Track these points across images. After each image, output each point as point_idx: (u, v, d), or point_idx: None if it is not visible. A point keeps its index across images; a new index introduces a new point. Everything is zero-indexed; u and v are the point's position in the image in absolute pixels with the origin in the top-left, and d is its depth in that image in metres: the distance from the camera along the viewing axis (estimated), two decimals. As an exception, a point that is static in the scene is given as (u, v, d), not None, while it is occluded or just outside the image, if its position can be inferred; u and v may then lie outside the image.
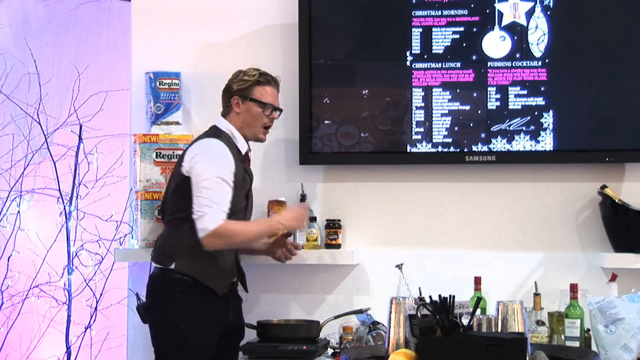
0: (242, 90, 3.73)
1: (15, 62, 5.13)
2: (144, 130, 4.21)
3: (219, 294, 3.64)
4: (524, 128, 3.97)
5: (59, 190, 4.93)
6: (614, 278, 3.76)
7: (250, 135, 3.76)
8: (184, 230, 3.62)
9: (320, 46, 4.10)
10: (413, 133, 4.05)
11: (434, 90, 4.03)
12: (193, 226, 3.57)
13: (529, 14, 3.97)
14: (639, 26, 3.92)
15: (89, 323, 4.97)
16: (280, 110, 3.82)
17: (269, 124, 3.77)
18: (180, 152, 3.88)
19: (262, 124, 3.75)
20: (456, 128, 4.03)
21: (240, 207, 3.68)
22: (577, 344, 3.66)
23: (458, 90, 4.02)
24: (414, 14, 4.04)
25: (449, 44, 4.02)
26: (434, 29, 4.03)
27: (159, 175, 4.10)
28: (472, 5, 4.00)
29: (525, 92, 3.97)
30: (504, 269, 4.02)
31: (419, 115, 4.04)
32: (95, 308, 4.97)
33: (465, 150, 4.02)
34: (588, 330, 3.68)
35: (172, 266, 3.64)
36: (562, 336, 3.69)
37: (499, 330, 3.05)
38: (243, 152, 3.74)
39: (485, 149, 4.00)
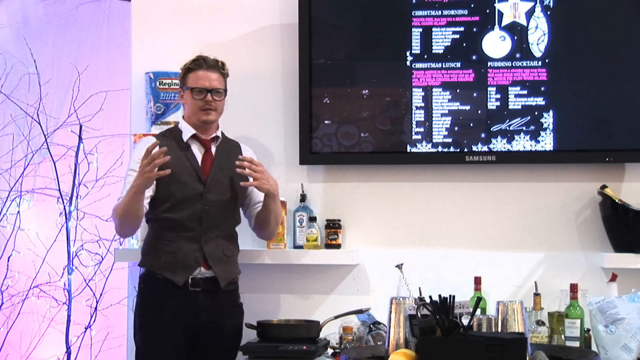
0: (181, 81, 3.77)
1: (15, 62, 5.13)
2: (144, 130, 4.21)
3: (179, 285, 3.62)
4: (524, 128, 3.97)
5: (59, 190, 4.93)
6: (614, 278, 3.76)
7: (196, 121, 3.72)
8: (148, 228, 3.76)
9: (320, 46, 4.10)
10: (413, 133, 4.05)
11: (434, 90, 4.03)
12: (152, 223, 3.71)
13: (529, 14, 3.97)
14: (639, 26, 3.92)
15: (89, 323, 4.98)
16: (225, 91, 3.74)
17: (206, 107, 3.69)
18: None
19: (199, 107, 3.69)
20: (456, 128, 4.03)
21: (190, 194, 3.63)
22: (577, 344, 3.66)
23: (458, 90, 4.02)
24: (414, 14, 4.04)
25: (449, 44, 4.02)
26: (434, 29, 4.03)
27: (159, 175, 4.10)
28: (472, 5, 4.00)
29: (525, 92, 3.97)
30: (504, 269, 4.01)
31: (419, 115, 4.04)
32: (95, 308, 4.98)
33: (465, 150, 4.02)
34: (588, 330, 3.68)
35: (140, 262, 3.79)
36: (562, 336, 3.69)
37: (499, 330, 3.05)
38: (185, 139, 3.70)
39: (485, 149, 4.00)
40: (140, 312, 3.71)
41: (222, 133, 3.83)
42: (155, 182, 3.58)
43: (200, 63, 3.71)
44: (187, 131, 3.72)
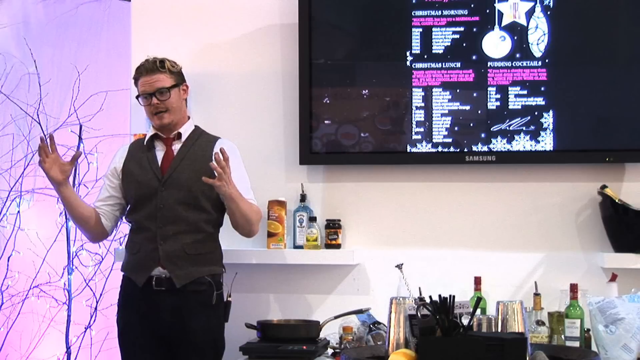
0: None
1: (15, 62, 5.13)
2: (144, 130, 4.19)
3: (139, 285, 3.65)
4: (524, 128, 3.97)
5: (59, 190, 4.92)
6: (614, 278, 3.76)
7: (154, 125, 3.78)
8: None
9: (320, 46, 4.10)
10: (413, 133, 4.05)
11: (434, 90, 4.03)
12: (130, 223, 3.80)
13: (529, 14, 3.97)
14: (639, 26, 3.92)
15: (89, 323, 4.98)
16: (174, 86, 3.73)
17: (155, 110, 3.72)
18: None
19: (150, 112, 3.74)
20: (456, 128, 4.03)
21: (146, 193, 3.68)
22: (577, 344, 3.66)
23: (458, 90, 4.02)
24: (414, 14, 4.04)
25: (449, 44, 4.02)
26: (434, 29, 4.03)
27: (159, 175, 4.10)
28: (472, 5, 4.00)
29: (525, 92, 3.97)
30: (504, 269, 4.01)
31: (419, 115, 4.04)
32: (95, 308, 4.98)
33: (465, 150, 4.02)
34: (588, 330, 3.68)
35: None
36: (562, 336, 3.69)
37: (499, 330, 3.05)
38: (145, 141, 3.78)
39: (485, 149, 4.00)
40: (117, 313, 3.79)
41: (197, 128, 3.82)
42: (122, 187, 3.76)
43: (140, 70, 3.75)
44: (149, 133, 3.81)
